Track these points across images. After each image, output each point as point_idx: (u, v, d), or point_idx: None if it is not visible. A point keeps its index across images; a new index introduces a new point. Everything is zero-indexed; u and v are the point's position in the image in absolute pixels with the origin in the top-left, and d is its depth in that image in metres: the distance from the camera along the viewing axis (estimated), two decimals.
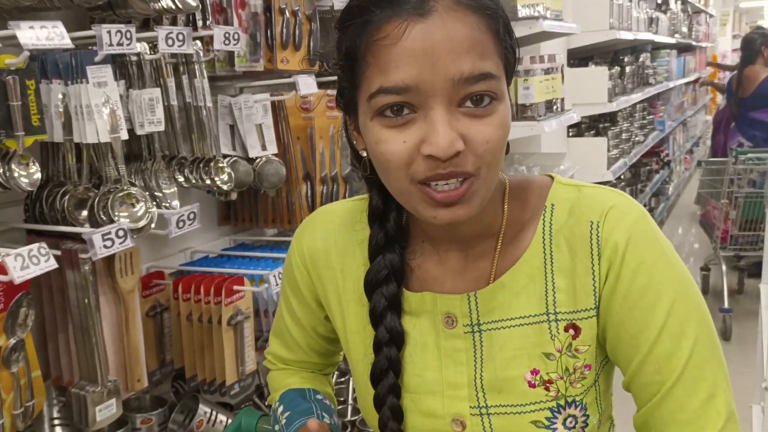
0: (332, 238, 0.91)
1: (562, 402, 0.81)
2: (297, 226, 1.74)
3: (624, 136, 4.40)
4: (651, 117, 5.45)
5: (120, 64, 1.25)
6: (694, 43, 7.43)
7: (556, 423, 0.81)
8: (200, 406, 1.51)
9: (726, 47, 11.30)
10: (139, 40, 1.18)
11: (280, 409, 0.95)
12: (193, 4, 1.30)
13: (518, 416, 0.81)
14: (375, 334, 0.85)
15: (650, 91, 4.99)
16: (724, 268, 3.99)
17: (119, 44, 1.10)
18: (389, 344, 0.84)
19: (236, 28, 1.45)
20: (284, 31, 1.63)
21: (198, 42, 1.37)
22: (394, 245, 0.84)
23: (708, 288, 4.46)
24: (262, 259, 1.65)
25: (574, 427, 0.81)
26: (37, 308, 1.22)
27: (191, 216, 1.29)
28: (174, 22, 1.39)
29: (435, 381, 0.84)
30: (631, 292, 0.77)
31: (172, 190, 1.35)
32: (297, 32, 1.66)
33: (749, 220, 3.94)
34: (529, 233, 0.82)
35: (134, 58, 1.27)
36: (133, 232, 1.16)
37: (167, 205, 1.33)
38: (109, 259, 1.25)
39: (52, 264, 1.01)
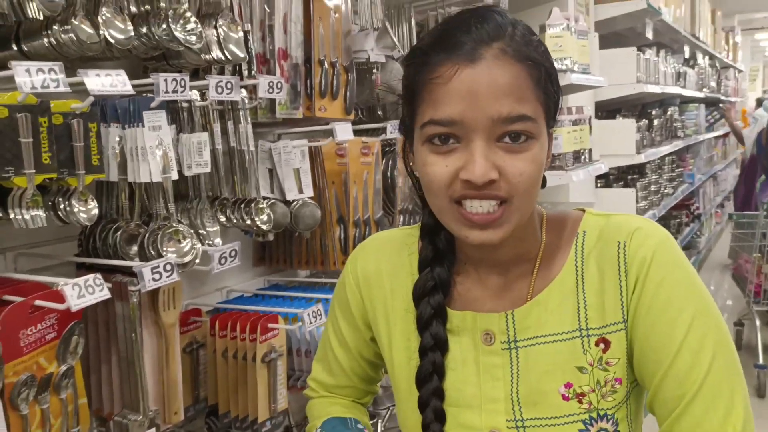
0: (384, 260, 0.98)
1: (594, 415, 0.84)
2: (329, 268, 1.80)
3: (653, 188, 4.40)
4: (680, 170, 5.45)
5: (172, 110, 1.34)
6: (722, 97, 7.45)
7: None
8: None
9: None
10: (191, 87, 1.26)
11: None
12: (241, 55, 1.39)
13: (552, 428, 0.85)
14: (420, 340, 0.91)
15: (679, 144, 5.01)
16: (758, 323, 3.93)
17: (174, 91, 1.18)
18: (434, 349, 0.90)
19: (279, 77, 1.53)
20: (323, 81, 1.71)
21: (243, 90, 1.46)
22: (443, 260, 0.92)
23: (741, 344, 4.36)
24: (295, 299, 1.69)
25: None
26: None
27: (232, 253, 1.34)
28: (222, 72, 1.48)
29: (473, 395, 0.89)
30: (653, 305, 0.82)
31: (215, 228, 1.41)
32: (335, 82, 1.74)
33: None
34: (563, 257, 0.89)
35: (185, 105, 1.35)
36: (179, 267, 1.22)
37: (210, 242, 1.39)
38: (153, 293, 1.30)
39: (106, 294, 1.07)
